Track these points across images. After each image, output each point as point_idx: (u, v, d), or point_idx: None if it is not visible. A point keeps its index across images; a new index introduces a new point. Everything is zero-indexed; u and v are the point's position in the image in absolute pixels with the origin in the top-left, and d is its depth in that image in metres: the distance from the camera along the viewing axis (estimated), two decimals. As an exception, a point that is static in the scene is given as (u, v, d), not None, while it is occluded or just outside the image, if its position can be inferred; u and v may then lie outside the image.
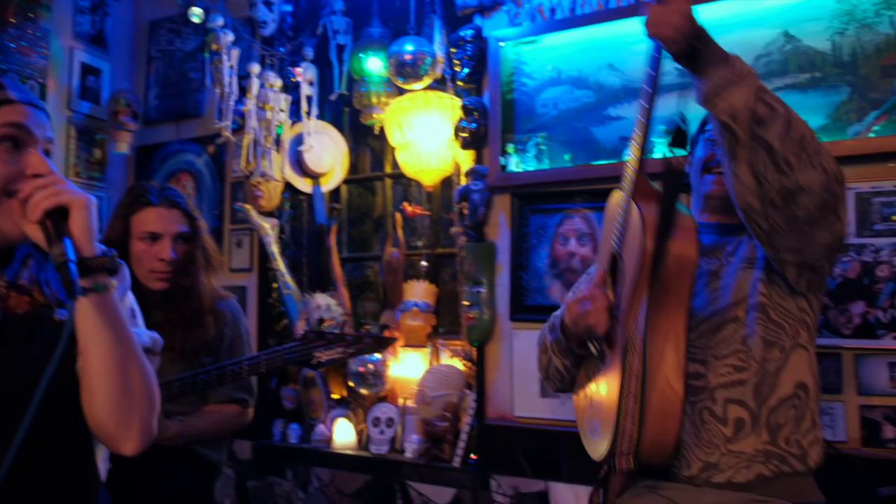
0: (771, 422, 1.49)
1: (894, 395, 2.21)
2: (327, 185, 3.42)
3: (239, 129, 3.21)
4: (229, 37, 3.03)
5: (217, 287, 2.06)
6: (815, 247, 1.46)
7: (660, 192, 1.53)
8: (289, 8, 3.42)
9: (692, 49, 1.41)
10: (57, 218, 1.00)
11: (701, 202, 1.73)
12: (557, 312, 1.81)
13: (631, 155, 1.56)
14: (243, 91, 3.13)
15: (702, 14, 1.42)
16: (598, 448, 1.58)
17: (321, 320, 2.90)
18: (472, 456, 2.78)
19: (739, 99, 1.35)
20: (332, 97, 3.33)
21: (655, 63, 1.48)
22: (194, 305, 1.96)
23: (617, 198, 1.64)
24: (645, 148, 1.53)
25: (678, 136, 1.55)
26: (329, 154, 3.34)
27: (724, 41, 2.48)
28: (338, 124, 3.46)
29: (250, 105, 3.07)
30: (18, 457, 0.88)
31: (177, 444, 1.92)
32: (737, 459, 1.48)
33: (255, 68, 3.10)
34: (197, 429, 1.96)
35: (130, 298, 1.19)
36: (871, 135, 2.30)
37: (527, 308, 2.73)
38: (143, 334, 1.18)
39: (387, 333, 3.09)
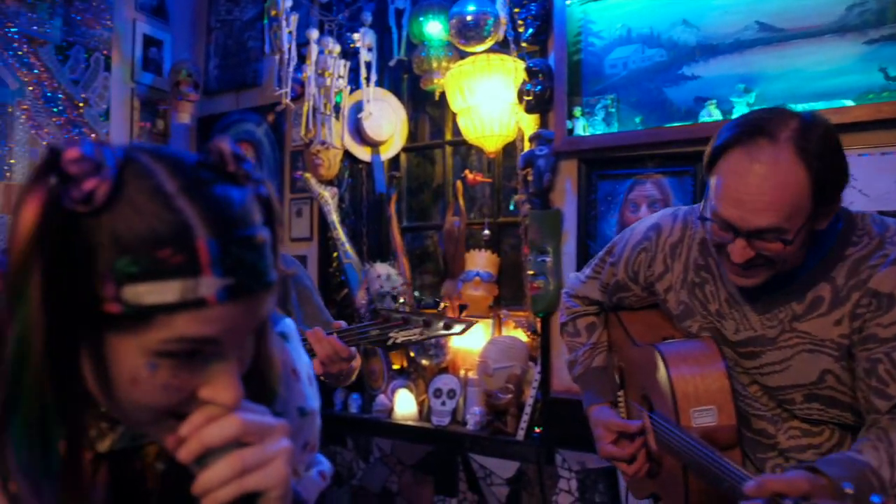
0: None
1: None
2: (387, 154, 3.37)
3: (298, 97, 3.18)
4: (288, 2, 2.97)
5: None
6: None
7: None
8: (344, -28, 3.36)
9: None
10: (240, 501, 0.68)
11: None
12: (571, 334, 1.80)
13: None
14: (302, 58, 3.09)
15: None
16: None
17: (395, 297, 2.85)
18: (537, 429, 2.71)
19: None
20: (392, 63, 3.25)
21: None
22: None
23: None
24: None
25: None
26: (388, 122, 3.28)
27: (814, -9, 2.34)
28: (397, 91, 3.39)
29: (309, 72, 3.02)
30: None
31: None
32: None
33: (314, 34, 3.04)
34: None
35: (315, 440, 0.92)
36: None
37: (594, 278, 2.62)
38: (316, 487, 0.92)
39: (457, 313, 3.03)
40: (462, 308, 1.80)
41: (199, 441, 0.65)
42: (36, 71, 3.07)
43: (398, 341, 1.72)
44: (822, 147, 1.17)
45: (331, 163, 3.19)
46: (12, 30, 2.97)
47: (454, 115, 3.20)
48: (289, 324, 0.90)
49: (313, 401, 0.90)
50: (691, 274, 1.47)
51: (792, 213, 1.17)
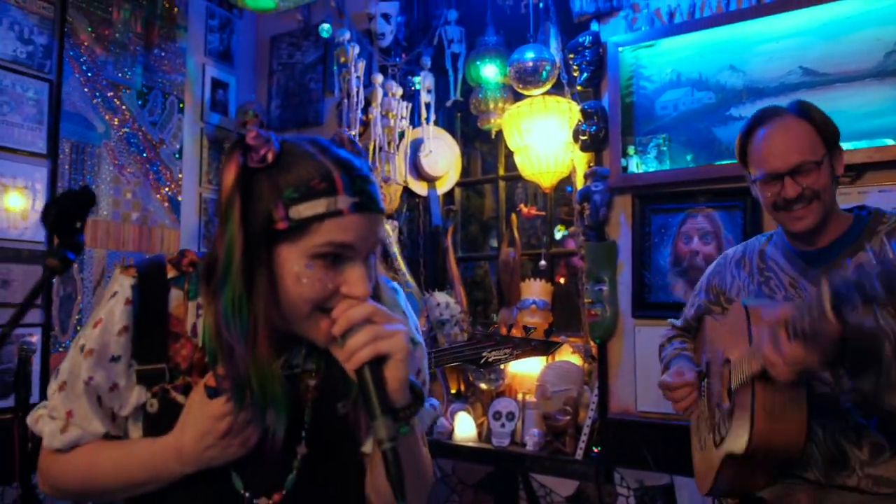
0: None
1: None
2: (442, 188, 3.57)
3: (360, 136, 3.39)
4: (356, 49, 3.20)
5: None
6: None
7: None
8: (401, 19, 3.59)
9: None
10: (374, 366, 0.94)
11: (784, 234, 1.76)
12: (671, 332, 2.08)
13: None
14: (366, 100, 3.30)
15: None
16: (700, 480, 1.87)
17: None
18: (595, 449, 2.86)
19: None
20: (448, 103, 3.47)
21: None
22: None
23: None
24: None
25: None
26: (444, 158, 3.49)
27: (852, 39, 2.53)
28: (450, 129, 3.61)
29: (375, 113, 3.23)
30: None
31: None
32: (873, 480, 1.55)
33: (379, 78, 3.26)
34: None
35: (425, 371, 1.18)
36: None
37: (650, 305, 2.79)
38: (426, 417, 1.16)
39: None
40: (528, 330, 1.99)
41: (346, 318, 0.94)
42: (119, 115, 3.31)
43: (490, 360, 1.92)
44: (812, 109, 1.67)
45: (392, 198, 3.39)
46: (101, 77, 3.22)
47: (506, 151, 3.41)
48: (397, 286, 1.19)
49: (420, 337, 1.17)
50: (756, 276, 1.79)
51: (812, 148, 1.61)
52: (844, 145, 2.46)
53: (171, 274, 1.08)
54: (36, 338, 2.90)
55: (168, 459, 1.01)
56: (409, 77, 3.43)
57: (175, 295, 1.07)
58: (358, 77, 3.21)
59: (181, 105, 3.60)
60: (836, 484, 1.59)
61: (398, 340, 0.95)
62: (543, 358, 3.20)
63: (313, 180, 0.94)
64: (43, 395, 2.88)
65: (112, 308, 1.04)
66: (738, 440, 1.56)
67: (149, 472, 1.02)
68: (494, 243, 3.74)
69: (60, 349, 2.99)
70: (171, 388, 1.03)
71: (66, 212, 0.93)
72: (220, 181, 0.97)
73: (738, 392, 1.61)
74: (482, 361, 1.90)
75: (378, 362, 0.94)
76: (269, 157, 0.95)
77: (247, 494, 1.03)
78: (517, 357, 1.90)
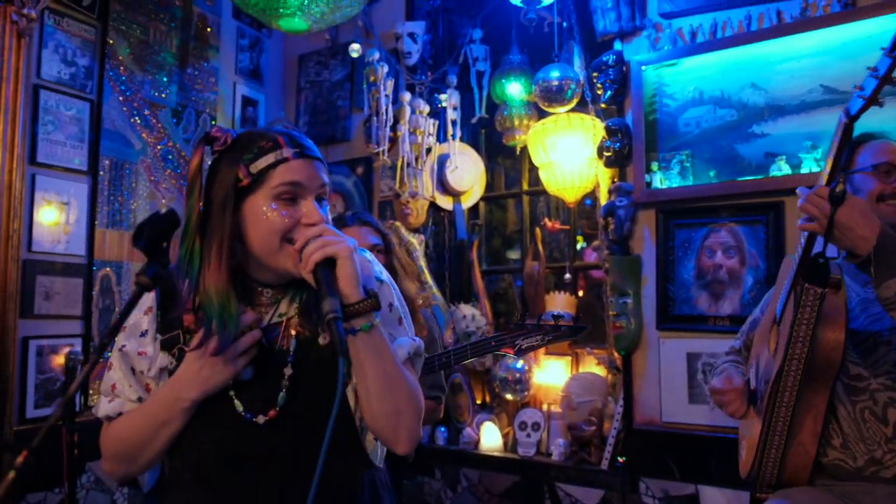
0: None
1: None
2: (467, 203, 3.65)
3: (388, 152, 3.48)
4: (385, 69, 3.30)
5: (414, 294, 2.30)
6: None
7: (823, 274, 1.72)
8: (426, 38, 3.68)
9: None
10: (326, 267, 1.17)
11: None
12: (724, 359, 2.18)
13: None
14: (393, 118, 3.40)
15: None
16: (743, 464, 1.92)
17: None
18: (620, 459, 2.91)
19: None
20: (474, 120, 3.56)
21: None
22: None
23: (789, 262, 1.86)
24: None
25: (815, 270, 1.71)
26: (469, 173, 3.57)
27: (871, 59, 2.58)
28: (475, 145, 3.69)
29: (403, 130, 3.32)
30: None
31: None
32: None
33: (407, 96, 3.36)
34: None
35: (398, 307, 1.36)
36: None
37: (674, 318, 2.86)
38: (405, 345, 1.32)
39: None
40: (556, 318, 2.12)
41: (304, 236, 1.21)
42: (155, 132, 3.42)
43: (524, 347, 2.04)
44: None
45: (419, 212, 3.48)
46: (138, 97, 3.33)
47: (529, 166, 3.49)
48: (365, 251, 1.39)
49: (385, 277, 1.38)
50: None
51: None
52: (865, 162, 2.56)
53: None
54: (74, 347, 3.00)
55: (177, 390, 1.24)
56: (436, 94, 3.52)
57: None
58: (386, 95, 3.30)
59: (213, 122, 3.71)
60: (867, 472, 1.67)
61: (343, 245, 1.20)
62: (568, 369, 3.27)
63: (263, 143, 1.24)
64: (84, 403, 3.00)
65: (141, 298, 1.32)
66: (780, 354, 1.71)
67: (167, 408, 1.25)
68: (516, 256, 3.82)
69: (100, 359, 3.08)
70: (185, 347, 1.29)
71: (155, 234, 1.02)
72: (189, 166, 1.26)
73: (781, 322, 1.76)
74: (516, 349, 2.04)
75: (329, 264, 1.18)
76: (228, 140, 1.25)
77: (247, 415, 1.25)
78: (549, 342, 2.06)
